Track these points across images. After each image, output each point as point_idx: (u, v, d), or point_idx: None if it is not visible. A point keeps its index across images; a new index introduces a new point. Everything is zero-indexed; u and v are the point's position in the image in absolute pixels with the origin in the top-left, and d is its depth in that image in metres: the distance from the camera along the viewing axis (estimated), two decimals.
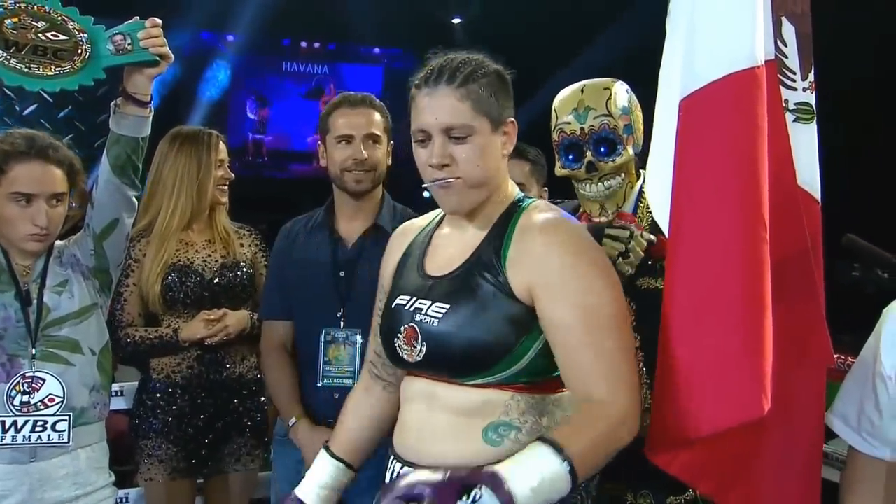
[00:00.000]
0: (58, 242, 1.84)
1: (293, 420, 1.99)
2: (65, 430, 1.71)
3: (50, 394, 1.71)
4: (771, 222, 1.31)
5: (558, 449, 1.15)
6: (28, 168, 1.72)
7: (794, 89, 1.47)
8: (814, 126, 1.47)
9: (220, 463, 2.22)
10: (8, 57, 1.59)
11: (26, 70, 1.60)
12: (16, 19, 1.62)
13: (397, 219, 2.03)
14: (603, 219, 1.69)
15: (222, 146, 2.28)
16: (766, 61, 1.34)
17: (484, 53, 1.38)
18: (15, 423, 1.68)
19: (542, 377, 1.31)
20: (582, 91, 1.69)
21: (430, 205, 1.51)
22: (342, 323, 1.99)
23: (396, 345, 1.37)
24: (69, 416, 1.72)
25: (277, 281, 2.09)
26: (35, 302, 1.75)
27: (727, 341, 1.29)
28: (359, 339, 1.97)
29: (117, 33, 1.67)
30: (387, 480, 1.39)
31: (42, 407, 1.71)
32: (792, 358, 1.35)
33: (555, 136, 1.70)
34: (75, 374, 1.75)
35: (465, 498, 1.09)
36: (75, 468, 1.75)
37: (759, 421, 1.30)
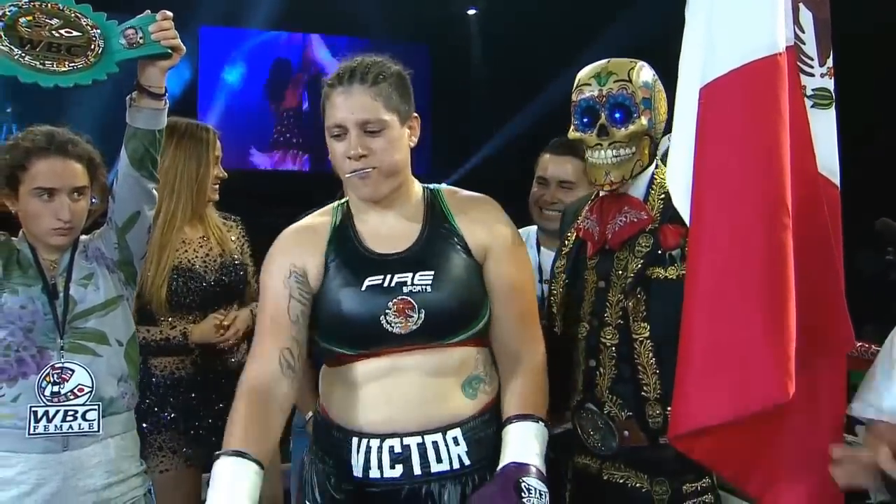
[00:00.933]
0: (82, 237, 1.88)
1: (310, 414, 1.97)
2: (95, 420, 1.76)
3: (79, 384, 1.76)
4: (793, 209, 1.31)
5: (533, 418, 1.43)
6: (48, 163, 1.75)
7: (812, 75, 1.48)
8: (832, 112, 1.48)
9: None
10: (23, 54, 1.61)
11: (41, 66, 1.62)
12: (30, 17, 1.64)
13: None
14: (606, 187, 1.65)
15: (218, 143, 2.27)
16: (786, 48, 1.34)
17: (387, 56, 1.53)
18: (47, 412, 1.73)
19: (488, 329, 1.51)
20: (608, 61, 1.69)
21: None
22: None
23: (384, 321, 1.42)
24: (98, 405, 1.76)
25: None
26: (62, 295, 1.79)
27: (751, 327, 1.31)
28: None
29: (129, 27, 1.69)
30: (358, 462, 1.42)
31: (72, 397, 1.75)
32: (814, 344, 1.35)
33: (574, 96, 1.68)
34: (103, 365, 1.79)
35: (523, 495, 1.31)
36: (107, 456, 1.79)
37: (782, 407, 1.30)
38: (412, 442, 1.43)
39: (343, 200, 1.60)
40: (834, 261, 1.40)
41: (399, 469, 1.43)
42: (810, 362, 1.34)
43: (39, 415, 1.72)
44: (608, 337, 1.64)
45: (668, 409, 1.56)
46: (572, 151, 2.19)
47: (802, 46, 1.48)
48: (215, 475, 1.31)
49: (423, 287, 1.43)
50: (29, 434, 1.72)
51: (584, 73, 1.69)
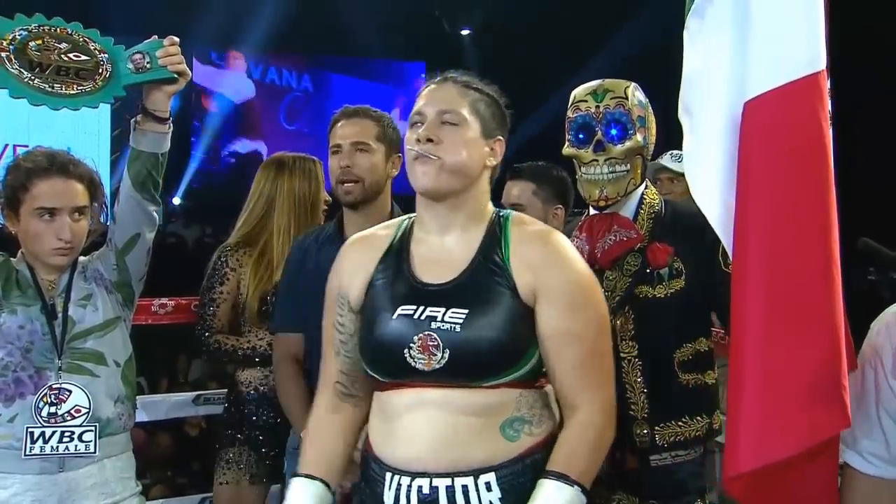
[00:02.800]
0: (81, 258, 1.89)
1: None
2: (91, 441, 1.75)
3: (76, 405, 1.75)
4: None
5: (566, 479, 1.30)
6: (50, 183, 1.77)
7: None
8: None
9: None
10: (32, 77, 1.64)
11: (49, 89, 1.64)
12: (40, 41, 1.67)
13: None
14: (601, 203, 1.67)
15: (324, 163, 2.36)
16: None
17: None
18: (43, 433, 1.72)
19: (543, 374, 1.40)
20: (603, 80, 1.72)
21: None
22: None
23: (408, 355, 1.35)
24: (95, 426, 1.76)
25: (289, 293, 2.10)
26: (60, 315, 1.79)
27: (817, 350, 1.25)
28: None
29: (137, 52, 1.72)
30: (389, 499, 1.37)
31: (69, 418, 1.75)
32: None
33: (570, 113, 1.70)
34: (100, 386, 1.79)
35: None
36: (102, 478, 1.78)
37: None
38: (441, 484, 1.33)
39: (412, 215, 1.52)
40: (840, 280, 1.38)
41: None
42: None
43: (36, 435, 1.72)
44: None
45: (657, 427, 1.61)
46: (517, 175, 2.33)
47: None
48: (288, 495, 1.45)
49: (452, 326, 1.34)
50: (25, 455, 1.71)
51: (579, 90, 1.72)
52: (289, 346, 2.07)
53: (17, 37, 1.65)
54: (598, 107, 1.66)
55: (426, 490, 1.34)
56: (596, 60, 6.11)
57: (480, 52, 8.03)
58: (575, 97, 1.72)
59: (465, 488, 1.33)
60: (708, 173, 1.44)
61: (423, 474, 1.34)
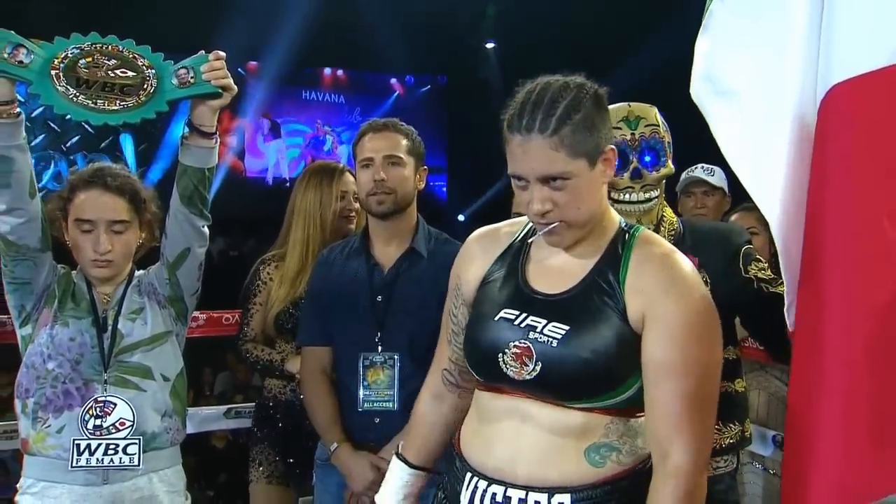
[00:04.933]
0: (138, 272, 1.91)
1: (335, 445, 2.00)
2: (135, 454, 1.76)
3: (120, 418, 1.77)
4: None
5: None
6: (88, 195, 1.80)
7: None
8: None
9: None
10: (77, 93, 1.66)
11: (92, 105, 1.66)
12: (90, 59, 1.69)
13: (432, 243, 2.06)
14: None
15: (347, 177, 2.37)
16: None
17: (580, 73, 1.34)
18: (89, 445, 1.74)
19: (639, 406, 1.32)
20: (629, 105, 1.75)
21: (468, 229, 1.56)
22: (380, 347, 2.00)
23: (501, 360, 1.33)
24: (139, 439, 1.77)
25: (316, 307, 2.10)
26: (110, 328, 1.81)
27: None
28: (397, 361, 1.98)
29: (182, 67, 1.73)
30: (465, 499, 1.37)
31: (114, 431, 1.76)
32: None
33: None
34: (146, 400, 1.80)
35: None
36: (148, 492, 1.79)
37: None
38: (515, 495, 1.31)
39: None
40: None
41: None
42: None
43: (82, 447, 1.74)
44: None
45: None
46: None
47: None
48: (388, 472, 1.57)
49: (550, 340, 1.30)
50: (72, 466, 1.73)
51: (611, 116, 1.73)
52: (316, 359, 2.08)
53: (70, 55, 1.68)
54: (633, 134, 1.70)
55: (499, 498, 1.33)
56: (626, 66, 6.11)
57: (503, 64, 8.06)
58: None
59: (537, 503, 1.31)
60: (765, 165, 1.34)
61: (500, 482, 1.34)
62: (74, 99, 1.66)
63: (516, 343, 1.33)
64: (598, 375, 1.29)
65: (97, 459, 1.74)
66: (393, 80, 8.95)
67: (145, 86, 1.71)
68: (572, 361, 1.29)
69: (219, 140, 1.82)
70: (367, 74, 8.91)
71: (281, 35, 7.15)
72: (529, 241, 1.42)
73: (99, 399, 1.76)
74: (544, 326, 1.32)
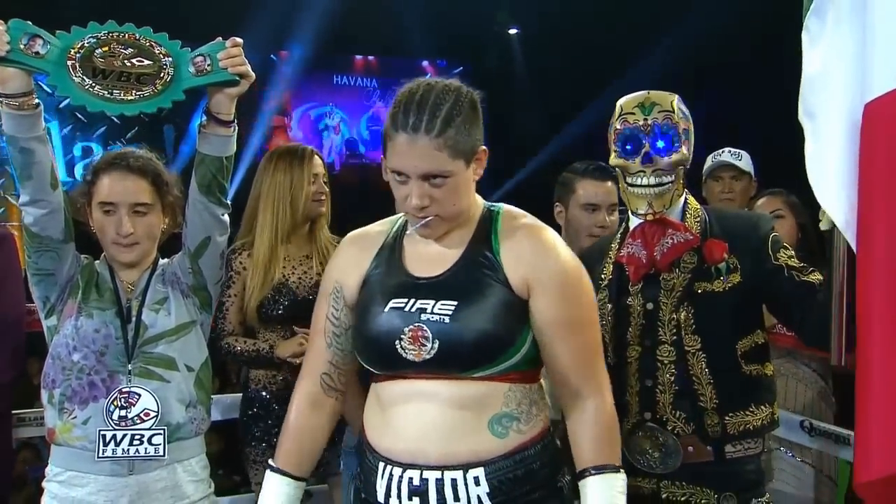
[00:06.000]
0: (162, 260, 1.92)
1: None
2: (160, 444, 1.77)
3: (145, 408, 1.78)
4: None
5: (612, 468, 1.40)
6: (110, 178, 1.81)
7: None
8: None
9: (318, 469, 2.28)
10: (93, 84, 1.65)
11: (108, 96, 1.66)
12: (106, 48, 1.68)
13: None
14: (649, 216, 1.71)
15: (316, 160, 2.35)
16: None
17: (456, 78, 1.45)
18: (115, 436, 1.75)
19: (531, 367, 1.44)
20: (648, 92, 1.76)
21: None
22: None
23: (399, 346, 1.39)
24: (164, 430, 1.78)
25: None
26: (134, 319, 1.82)
27: None
28: None
29: (198, 55, 1.71)
30: (381, 488, 1.41)
31: (138, 421, 1.77)
32: None
33: (617, 125, 1.74)
34: (171, 391, 1.80)
35: None
36: (172, 481, 1.80)
37: None
38: (431, 476, 1.38)
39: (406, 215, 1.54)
40: None
41: (416, 502, 1.39)
42: None
43: (108, 438, 1.75)
44: (664, 354, 1.70)
45: (726, 417, 1.67)
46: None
47: None
48: (264, 487, 1.53)
49: (442, 317, 1.38)
50: (98, 457, 1.75)
51: (625, 102, 1.77)
52: None
53: (86, 44, 1.67)
54: (645, 119, 1.71)
55: (417, 482, 1.38)
56: (644, 62, 6.03)
57: (527, 52, 7.99)
58: (622, 109, 1.76)
59: (454, 482, 1.37)
60: (832, 176, 1.41)
61: (413, 466, 1.39)
62: (91, 90, 1.65)
63: (410, 327, 1.39)
64: (491, 340, 1.38)
65: (123, 450, 1.75)
66: (425, 63, 8.90)
67: (162, 74, 1.70)
68: (466, 332, 1.37)
69: (237, 128, 1.80)
70: (396, 59, 8.88)
71: (300, 22, 7.14)
72: (405, 233, 1.50)
73: (123, 390, 1.77)
74: (433, 306, 1.39)
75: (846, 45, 1.39)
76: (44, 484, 1.82)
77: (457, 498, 1.37)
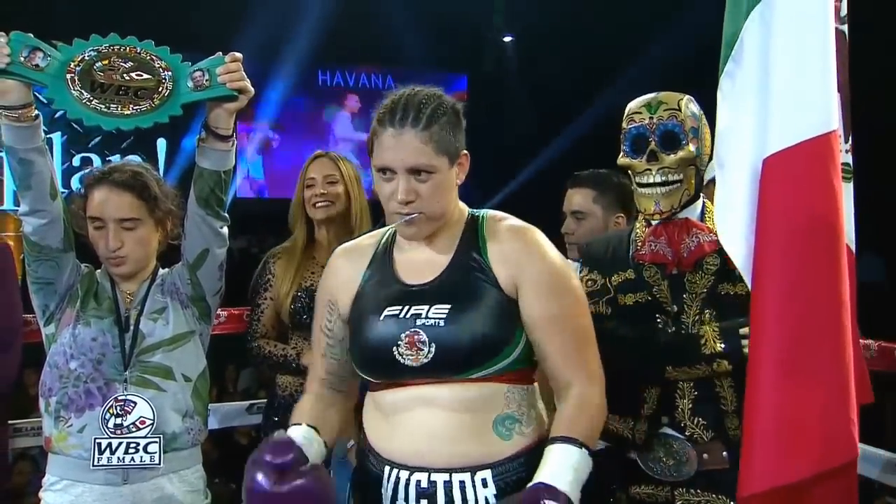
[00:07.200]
0: (162, 270, 1.93)
1: (352, 442, 1.99)
2: (156, 453, 1.77)
3: (141, 416, 1.78)
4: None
5: (575, 442, 1.37)
6: (98, 193, 1.82)
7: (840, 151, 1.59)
8: (851, 185, 1.64)
9: None
10: (91, 98, 1.66)
11: (105, 110, 1.67)
12: (106, 62, 1.69)
13: None
14: (657, 217, 1.71)
15: (317, 163, 2.36)
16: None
17: (441, 88, 1.49)
18: (110, 444, 1.76)
19: (526, 365, 1.47)
20: (658, 94, 1.78)
21: None
22: None
23: (396, 352, 1.41)
24: (160, 438, 1.78)
25: None
26: (132, 328, 1.83)
27: (825, 386, 1.39)
28: None
29: (197, 70, 1.72)
30: (387, 492, 1.42)
31: (134, 429, 1.77)
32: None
33: (624, 124, 1.76)
34: (167, 400, 1.81)
35: None
36: (167, 492, 1.80)
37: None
38: (439, 479, 1.40)
39: (393, 225, 1.56)
40: (852, 320, 1.51)
41: None
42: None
43: (103, 447, 1.76)
44: None
45: None
46: (578, 182, 2.36)
47: None
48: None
49: (436, 321, 1.41)
50: (93, 466, 1.75)
51: (634, 104, 1.78)
52: None
53: (87, 58, 1.68)
54: (651, 118, 1.72)
55: (424, 484, 1.40)
56: (645, 60, 6.07)
57: (522, 58, 8.03)
58: (630, 110, 1.77)
59: (462, 484, 1.39)
60: (734, 223, 1.57)
61: (421, 468, 1.40)
62: (88, 104, 1.66)
63: (407, 333, 1.42)
64: (486, 341, 1.41)
65: (118, 458, 1.76)
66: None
67: (160, 89, 1.70)
68: (461, 334, 1.40)
69: (235, 142, 1.81)
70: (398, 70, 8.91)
71: (299, 31, 7.16)
72: (394, 244, 1.53)
73: (119, 398, 1.78)
74: (428, 311, 1.43)
75: (751, 105, 1.55)
76: (41, 494, 1.83)
77: (465, 500, 1.39)
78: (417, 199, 1.43)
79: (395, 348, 1.42)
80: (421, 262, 1.49)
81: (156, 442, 1.78)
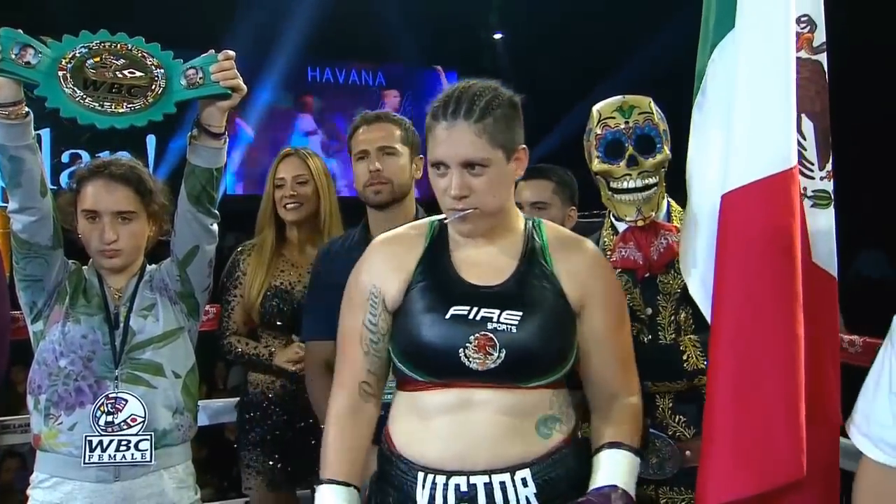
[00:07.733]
0: (150, 266, 1.92)
1: None
2: (147, 450, 1.77)
3: (132, 414, 1.78)
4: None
5: (631, 448, 1.45)
6: (93, 186, 1.81)
7: (812, 178, 1.63)
8: (831, 210, 1.63)
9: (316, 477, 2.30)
10: (84, 96, 1.65)
11: (99, 108, 1.66)
12: (98, 59, 1.68)
13: None
14: (639, 223, 1.72)
15: (287, 162, 2.36)
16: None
17: (499, 81, 1.46)
18: (101, 442, 1.76)
19: (570, 373, 1.48)
20: (624, 97, 1.77)
21: None
22: None
23: (463, 354, 1.38)
24: (151, 435, 1.78)
25: (319, 300, 2.09)
26: (122, 325, 1.82)
27: (773, 407, 1.44)
28: None
29: (190, 67, 1.72)
30: (423, 498, 1.39)
31: (125, 427, 1.77)
32: (812, 418, 1.48)
33: (597, 130, 1.73)
34: (158, 397, 1.81)
35: None
36: (158, 488, 1.80)
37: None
38: (479, 481, 1.37)
39: (439, 217, 1.51)
40: (831, 341, 1.58)
41: None
42: (809, 435, 1.48)
43: (94, 444, 1.75)
44: None
45: None
46: (541, 174, 2.36)
47: (804, 152, 1.62)
48: (318, 501, 1.46)
49: (509, 326, 1.39)
50: (84, 463, 1.75)
51: (603, 107, 1.76)
52: (322, 353, 2.06)
53: (77, 55, 1.67)
54: (626, 122, 1.71)
55: (464, 488, 1.38)
56: (634, 59, 6.10)
57: (512, 56, 8.04)
58: (600, 114, 1.75)
59: (503, 484, 1.38)
60: (693, 253, 1.64)
61: (459, 472, 1.38)
62: (81, 101, 1.65)
63: (477, 335, 1.39)
64: (553, 353, 1.42)
65: (109, 456, 1.76)
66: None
67: (153, 87, 1.70)
68: (532, 342, 1.39)
69: (227, 140, 1.81)
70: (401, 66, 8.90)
71: (289, 27, 7.13)
72: (448, 237, 1.49)
73: (110, 395, 1.78)
74: (499, 315, 1.40)
75: (714, 140, 1.59)
76: (28, 491, 1.82)
77: (506, 500, 1.38)
78: (472, 194, 1.39)
79: (462, 350, 1.38)
80: (484, 263, 1.46)
81: (147, 439, 1.78)
